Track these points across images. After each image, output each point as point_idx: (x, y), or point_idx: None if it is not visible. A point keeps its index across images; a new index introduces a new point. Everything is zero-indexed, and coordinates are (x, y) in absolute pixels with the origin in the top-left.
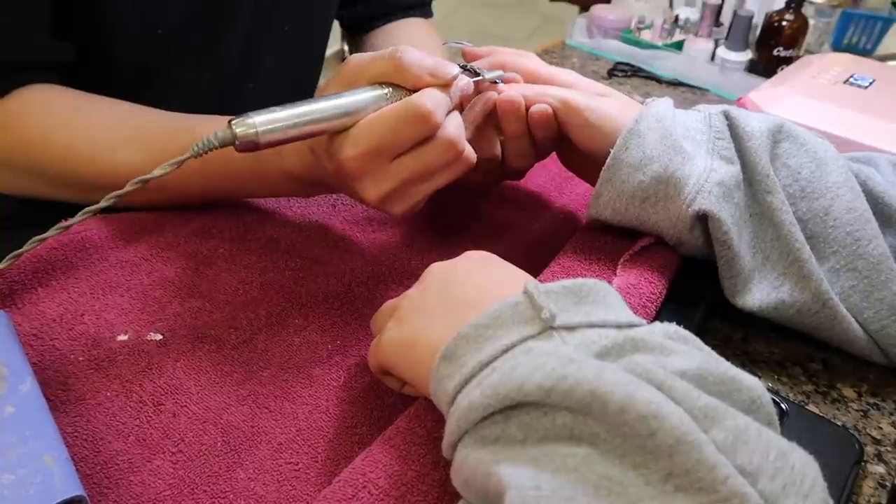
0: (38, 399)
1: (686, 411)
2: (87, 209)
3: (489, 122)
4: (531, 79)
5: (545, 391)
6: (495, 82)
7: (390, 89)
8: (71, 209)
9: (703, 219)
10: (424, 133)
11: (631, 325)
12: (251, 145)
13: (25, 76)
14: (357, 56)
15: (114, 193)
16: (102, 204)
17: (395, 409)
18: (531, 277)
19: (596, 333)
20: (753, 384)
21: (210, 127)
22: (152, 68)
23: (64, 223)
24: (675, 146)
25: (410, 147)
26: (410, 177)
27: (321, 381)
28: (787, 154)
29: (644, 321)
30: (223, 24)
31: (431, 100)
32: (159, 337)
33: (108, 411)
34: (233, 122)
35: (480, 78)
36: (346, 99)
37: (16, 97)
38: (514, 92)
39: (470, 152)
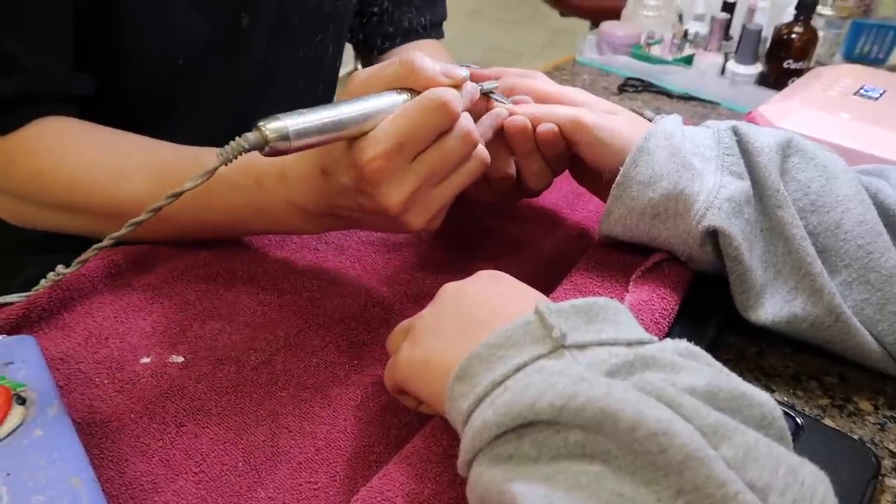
0: (65, 422)
1: (696, 428)
2: (112, 235)
3: (501, 143)
4: (541, 99)
5: (556, 409)
6: (503, 101)
7: (407, 94)
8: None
9: (713, 235)
10: (445, 123)
11: (641, 343)
12: (281, 148)
13: (43, 108)
14: (362, 70)
15: (152, 207)
16: (124, 231)
17: (411, 427)
18: (543, 296)
19: (606, 352)
20: (765, 400)
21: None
22: (172, 95)
23: (97, 245)
24: (685, 163)
25: (430, 142)
26: (431, 174)
27: (339, 400)
28: (796, 168)
29: (655, 338)
30: (240, 49)
31: (449, 91)
32: (181, 359)
33: (132, 433)
34: (263, 124)
35: (491, 93)
36: (369, 102)
37: (30, 128)
38: (522, 110)
39: (483, 149)
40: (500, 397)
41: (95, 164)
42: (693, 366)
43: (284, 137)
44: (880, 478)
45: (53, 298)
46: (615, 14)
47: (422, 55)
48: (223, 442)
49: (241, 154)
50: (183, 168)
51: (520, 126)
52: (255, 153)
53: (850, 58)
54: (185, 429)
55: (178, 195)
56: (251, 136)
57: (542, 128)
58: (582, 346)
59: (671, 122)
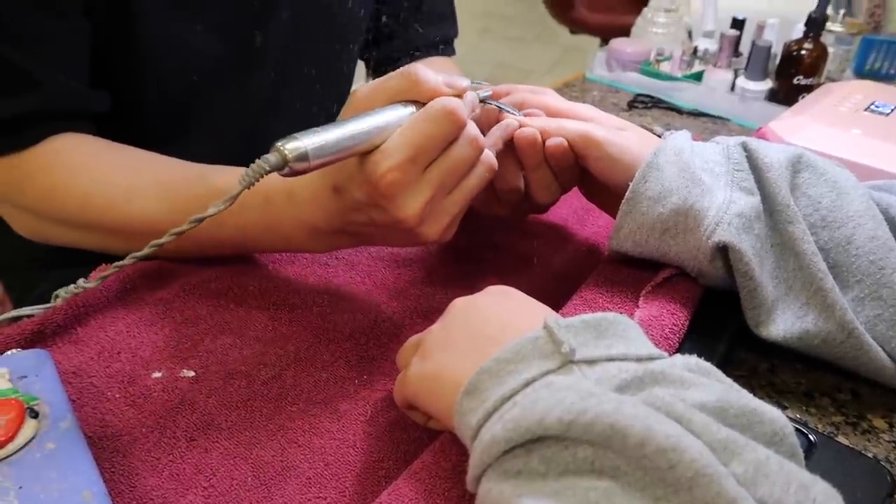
0: (77, 436)
1: (706, 444)
2: (134, 254)
3: (510, 155)
4: (551, 114)
5: (565, 425)
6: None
7: (413, 106)
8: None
9: (723, 250)
10: (454, 132)
11: (651, 358)
12: (300, 168)
13: (60, 125)
14: (364, 85)
15: (175, 230)
16: (146, 251)
17: (420, 442)
18: (552, 311)
19: (616, 367)
20: (776, 416)
21: (225, 175)
22: (185, 111)
23: (119, 263)
24: (694, 178)
25: (440, 151)
26: (443, 182)
27: (348, 415)
28: (806, 184)
29: (665, 354)
30: (253, 67)
31: (454, 100)
32: (192, 374)
33: (143, 447)
34: (281, 145)
35: (487, 101)
36: (378, 116)
37: (46, 145)
38: (532, 123)
39: (490, 154)
40: (509, 412)
41: (108, 182)
42: (703, 381)
43: (303, 158)
44: (895, 497)
45: (67, 313)
46: (625, 31)
47: (422, 67)
48: (233, 457)
49: (262, 177)
50: (192, 186)
51: (529, 138)
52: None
53: (861, 74)
54: (196, 443)
55: (200, 220)
56: (271, 158)
57: (551, 141)
58: (591, 362)
59: (680, 138)
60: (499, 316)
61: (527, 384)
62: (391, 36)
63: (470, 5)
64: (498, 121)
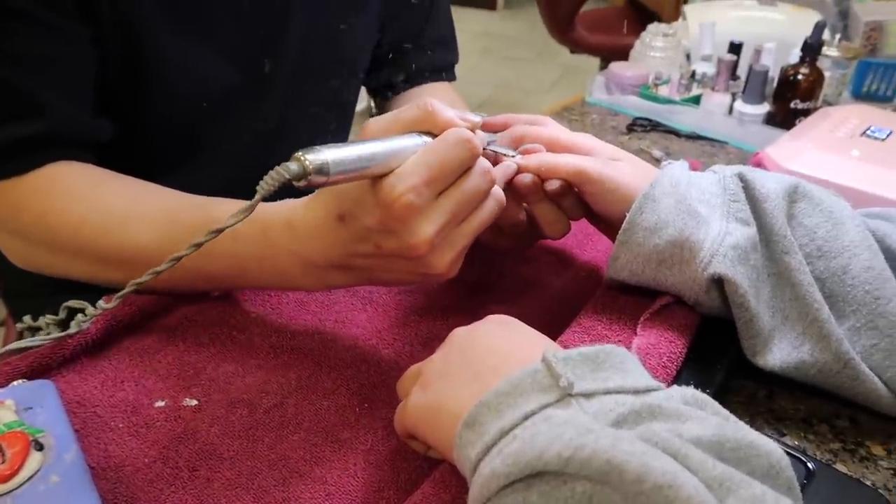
0: (81, 468)
1: (702, 480)
2: (135, 281)
3: (511, 191)
4: (550, 146)
5: (564, 460)
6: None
7: (428, 137)
8: None
9: (719, 282)
10: (469, 160)
11: (648, 390)
12: (319, 181)
13: (60, 152)
14: (378, 117)
15: (181, 252)
16: (145, 278)
17: (421, 471)
18: (551, 341)
19: (613, 400)
20: (772, 449)
21: (225, 205)
22: (194, 137)
23: (121, 293)
24: (690, 210)
25: (455, 179)
26: (456, 211)
27: (349, 444)
28: (803, 214)
29: (662, 385)
30: (262, 94)
31: (468, 131)
32: (195, 402)
33: (145, 477)
34: (302, 155)
35: (495, 151)
36: (395, 141)
37: (45, 170)
38: (528, 163)
39: (499, 189)
40: (509, 446)
41: (103, 209)
42: (699, 415)
43: (324, 170)
44: None
45: (71, 342)
46: (625, 51)
47: (438, 101)
48: (235, 487)
49: (281, 185)
50: (191, 217)
51: (528, 183)
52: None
53: (858, 96)
54: (198, 473)
55: (220, 231)
56: (292, 167)
57: (548, 185)
58: (589, 395)
59: (677, 169)
60: (498, 346)
61: (526, 418)
62: (393, 62)
63: (470, 25)
64: (496, 163)
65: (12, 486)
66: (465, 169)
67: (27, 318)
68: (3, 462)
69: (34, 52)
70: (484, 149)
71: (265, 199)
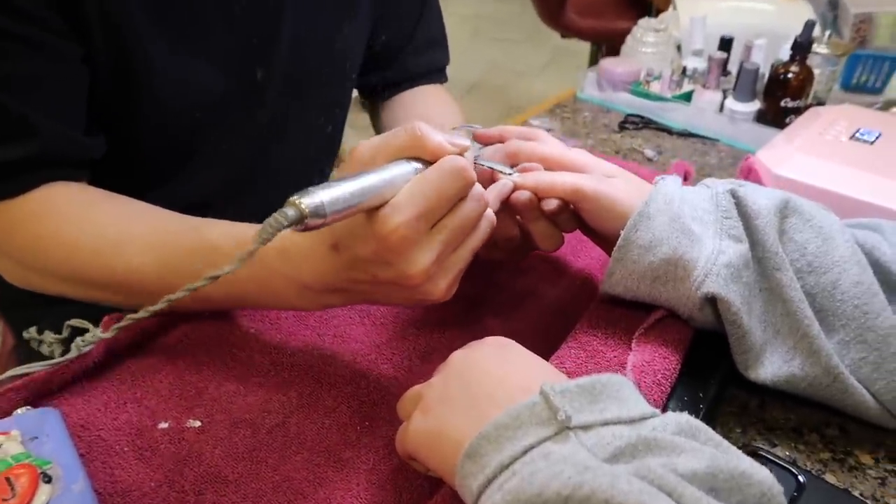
0: (90, 498)
1: None
2: (148, 308)
3: (505, 208)
4: (544, 163)
5: (563, 499)
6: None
7: (418, 163)
8: None
9: (712, 300)
10: (464, 189)
11: (644, 418)
12: (315, 224)
13: (53, 173)
14: (366, 142)
15: (189, 286)
16: (160, 305)
17: (422, 490)
18: (547, 364)
19: (610, 433)
20: (763, 477)
21: (219, 227)
22: (187, 145)
23: (131, 316)
24: (684, 228)
25: (449, 208)
26: (451, 239)
27: (351, 463)
28: (793, 229)
29: (657, 412)
30: (255, 101)
31: (462, 159)
32: (198, 423)
33: (152, 502)
34: (298, 200)
35: (490, 167)
36: (386, 172)
37: (38, 192)
38: (525, 182)
39: (490, 212)
40: (509, 482)
41: (97, 233)
42: (693, 446)
43: (320, 212)
44: None
45: (73, 365)
46: (615, 35)
47: (426, 126)
48: None
49: (279, 232)
50: (185, 239)
51: (525, 202)
52: (252, 226)
53: (848, 87)
54: (204, 497)
55: (215, 277)
56: (289, 213)
57: (545, 204)
58: (586, 427)
59: (670, 185)
60: (496, 371)
61: (525, 452)
62: (384, 65)
63: (460, 7)
64: (491, 178)
65: None
66: (460, 197)
67: (32, 330)
68: (13, 496)
69: (24, 73)
70: (478, 163)
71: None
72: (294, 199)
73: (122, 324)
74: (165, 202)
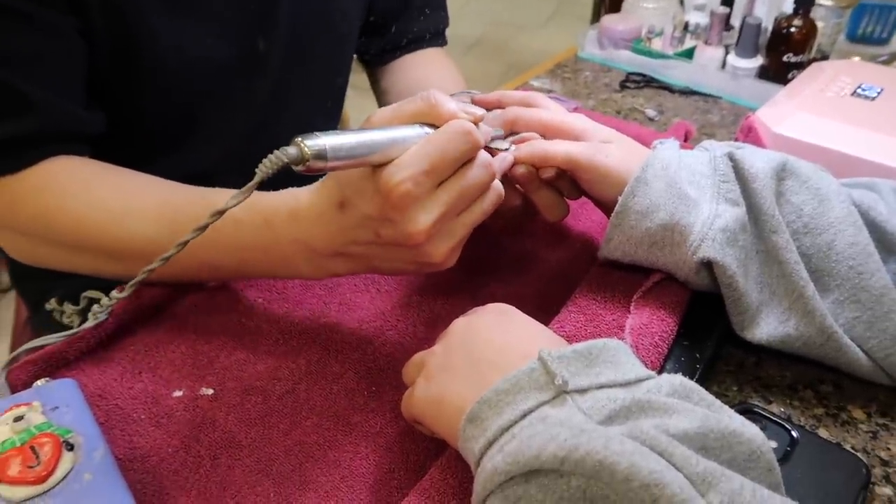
0: (111, 464)
1: (686, 476)
2: (144, 269)
3: (507, 178)
4: (542, 130)
5: (559, 460)
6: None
7: (430, 128)
8: None
9: (708, 264)
10: (469, 151)
11: (639, 381)
12: (317, 166)
13: (55, 148)
14: (381, 108)
15: (186, 237)
16: (155, 264)
17: (428, 452)
18: (549, 332)
19: (605, 395)
20: (753, 434)
21: (223, 196)
22: (189, 117)
23: (133, 282)
24: (681, 194)
25: (454, 170)
26: (455, 202)
27: (360, 427)
28: (790, 191)
29: (652, 374)
30: (256, 72)
31: (468, 122)
32: (211, 391)
33: (170, 467)
34: (301, 141)
35: (488, 147)
36: (396, 131)
37: (40, 167)
38: (521, 154)
39: (498, 183)
40: (509, 444)
41: (103, 204)
42: (686, 407)
43: (322, 155)
44: (871, 486)
45: (88, 335)
46: None
47: (440, 93)
48: (255, 473)
49: (280, 168)
50: (192, 206)
51: (525, 174)
52: (262, 193)
53: (854, 38)
54: (220, 461)
55: (221, 212)
56: (291, 150)
57: (543, 173)
58: (582, 391)
59: (668, 151)
60: (497, 339)
61: (524, 415)
62: (383, 31)
63: None
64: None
65: (49, 485)
66: (466, 160)
67: (53, 302)
68: (38, 464)
69: (22, 49)
70: (487, 146)
71: (264, 182)
72: (298, 139)
73: (138, 278)
74: (168, 174)
